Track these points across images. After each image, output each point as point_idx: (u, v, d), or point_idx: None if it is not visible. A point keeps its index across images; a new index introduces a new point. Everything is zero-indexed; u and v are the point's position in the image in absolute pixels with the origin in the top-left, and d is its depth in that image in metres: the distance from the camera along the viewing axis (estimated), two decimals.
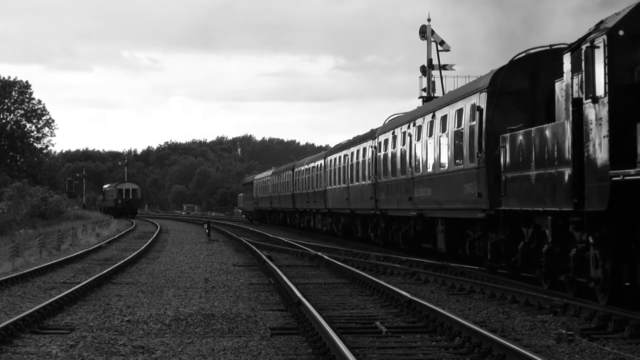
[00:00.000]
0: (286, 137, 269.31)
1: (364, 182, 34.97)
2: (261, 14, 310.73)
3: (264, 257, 27.60)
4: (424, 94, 36.74)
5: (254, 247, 33.29)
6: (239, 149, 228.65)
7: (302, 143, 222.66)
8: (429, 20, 36.96)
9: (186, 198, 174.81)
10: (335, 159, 42.57)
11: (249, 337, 12.96)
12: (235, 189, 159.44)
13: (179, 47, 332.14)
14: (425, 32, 36.96)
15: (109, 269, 23.50)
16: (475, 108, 21.20)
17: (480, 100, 21.02)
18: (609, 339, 12.33)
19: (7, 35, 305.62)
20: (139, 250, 32.75)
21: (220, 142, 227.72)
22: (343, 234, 41.70)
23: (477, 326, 12.29)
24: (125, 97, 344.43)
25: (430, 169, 25.42)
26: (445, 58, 37.27)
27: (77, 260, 29.28)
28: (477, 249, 22.05)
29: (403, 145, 28.42)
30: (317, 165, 48.13)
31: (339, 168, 40.95)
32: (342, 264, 24.55)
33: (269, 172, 72.57)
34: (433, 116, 24.95)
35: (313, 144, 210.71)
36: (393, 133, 30.16)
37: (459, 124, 22.60)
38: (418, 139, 26.50)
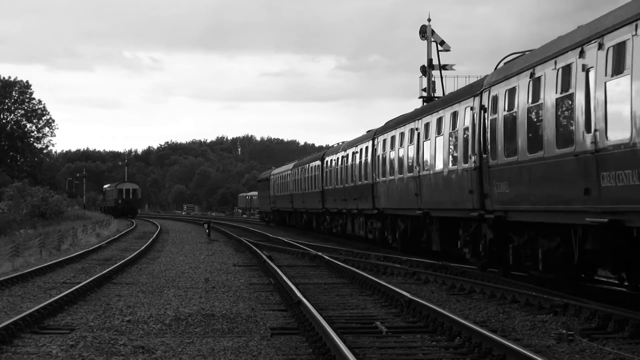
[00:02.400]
0: (286, 137, 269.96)
1: (453, 167, 22.85)
2: (263, 14, 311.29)
3: (264, 257, 27.60)
4: (424, 94, 36.71)
5: (254, 247, 33.29)
6: (239, 149, 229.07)
7: (302, 143, 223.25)
8: (429, 20, 36.89)
9: (186, 198, 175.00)
10: (390, 138, 30.56)
11: (249, 337, 12.96)
12: (235, 188, 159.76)
13: (181, 47, 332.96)
14: (425, 32, 36.91)
15: (109, 269, 23.50)
16: None
17: None
18: (609, 339, 12.32)
19: (8, 35, 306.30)
20: (139, 250, 32.76)
21: (220, 142, 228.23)
22: (403, 246, 29.81)
23: (477, 326, 12.28)
24: (127, 97, 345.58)
25: None
26: (445, 58, 37.25)
27: (77, 260, 29.29)
28: None
29: (562, 91, 15.52)
30: (361, 150, 36.05)
31: (399, 150, 29.05)
32: (342, 264, 24.54)
33: (290, 166, 60.68)
34: None
35: (313, 144, 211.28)
36: (532, 74, 16.94)
37: None
38: (616, 73, 13.33)
